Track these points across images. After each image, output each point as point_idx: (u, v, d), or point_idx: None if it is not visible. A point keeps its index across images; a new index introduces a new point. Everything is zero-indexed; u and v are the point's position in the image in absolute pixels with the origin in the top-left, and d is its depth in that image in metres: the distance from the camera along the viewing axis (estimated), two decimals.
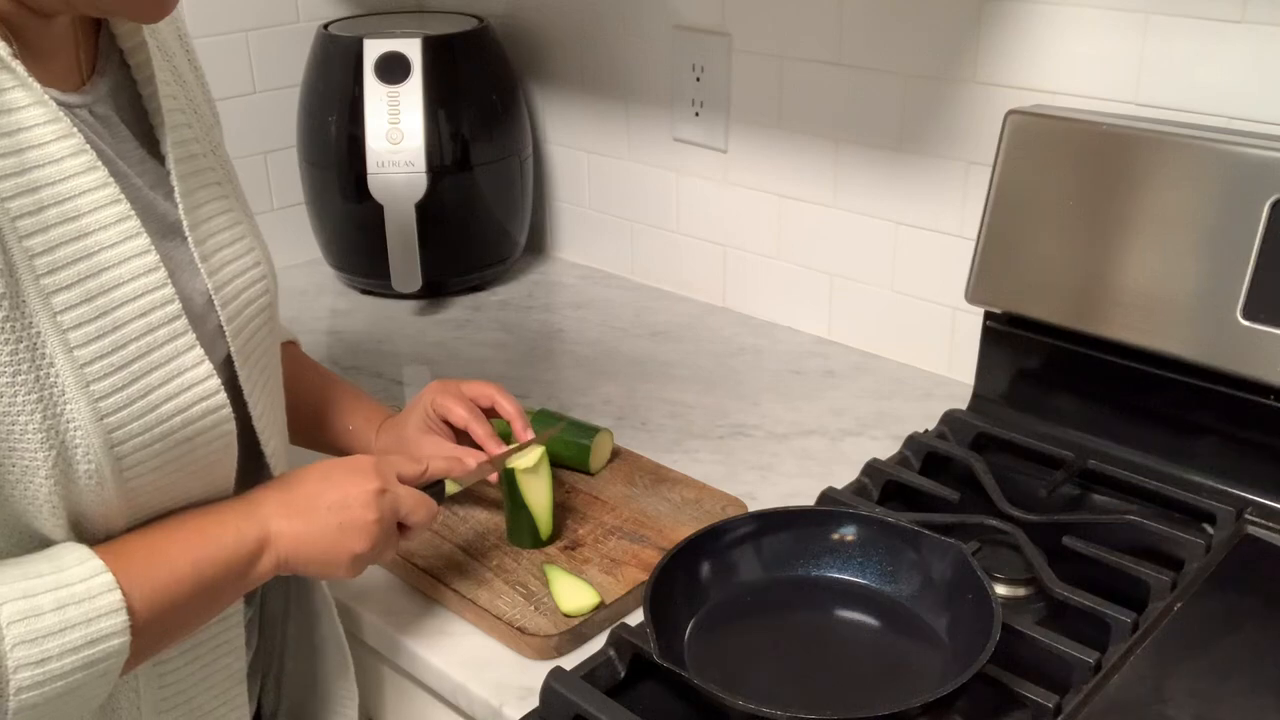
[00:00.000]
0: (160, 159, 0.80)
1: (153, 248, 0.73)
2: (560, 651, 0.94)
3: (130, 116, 0.79)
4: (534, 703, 0.88)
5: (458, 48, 1.59)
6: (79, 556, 0.70)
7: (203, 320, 0.78)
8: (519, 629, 0.95)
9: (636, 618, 0.94)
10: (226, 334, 0.80)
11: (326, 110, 1.58)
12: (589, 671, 0.89)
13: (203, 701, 0.84)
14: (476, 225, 1.64)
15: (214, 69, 1.60)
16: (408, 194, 1.54)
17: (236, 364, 0.81)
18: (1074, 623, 0.92)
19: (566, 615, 0.96)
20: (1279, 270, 1.01)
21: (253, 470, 0.85)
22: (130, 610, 0.70)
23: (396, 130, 1.53)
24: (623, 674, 0.90)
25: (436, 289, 1.64)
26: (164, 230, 0.77)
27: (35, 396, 0.67)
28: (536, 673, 0.89)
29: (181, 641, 0.80)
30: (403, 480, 0.90)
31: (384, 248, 1.56)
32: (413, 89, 1.54)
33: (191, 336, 0.75)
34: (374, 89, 1.53)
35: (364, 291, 1.68)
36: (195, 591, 0.75)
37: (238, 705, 0.88)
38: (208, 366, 0.76)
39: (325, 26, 1.62)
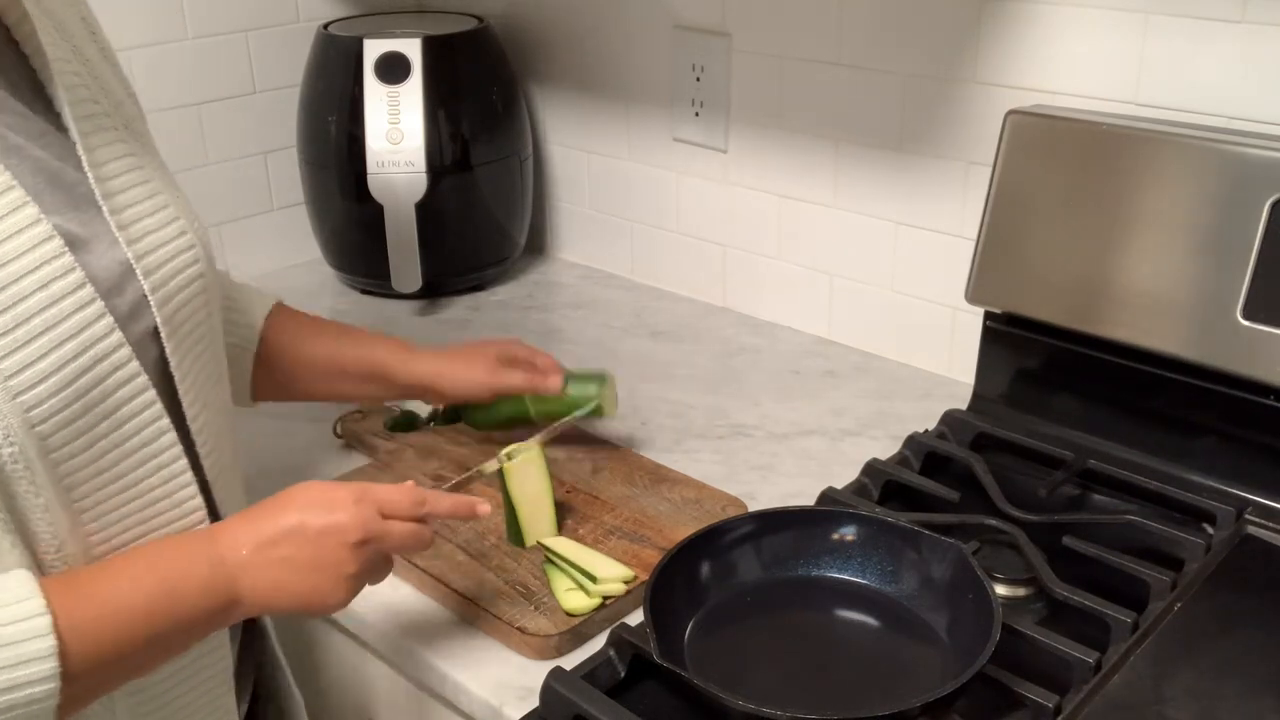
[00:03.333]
0: (65, 132, 0.77)
1: (43, 217, 0.70)
2: (560, 651, 0.94)
3: (28, 96, 0.76)
4: (534, 703, 0.88)
5: (458, 48, 1.59)
6: (19, 593, 0.67)
7: (119, 290, 0.75)
8: (519, 629, 0.95)
9: (636, 618, 0.94)
10: (152, 304, 0.77)
11: (326, 110, 1.58)
12: (589, 671, 0.89)
13: (185, 704, 0.82)
14: (476, 225, 1.64)
15: (214, 69, 1.62)
16: (408, 194, 1.54)
17: (164, 335, 0.78)
18: (1074, 623, 0.92)
19: (567, 614, 0.96)
20: (1279, 270, 1.01)
21: (196, 467, 0.81)
22: (64, 656, 0.66)
23: (396, 130, 1.53)
24: (623, 674, 0.90)
25: (436, 289, 1.64)
26: (76, 200, 0.75)
27: None
28: (536, 673, 0.89)
29: (130, 681, 0.76)
30: (391, 514, 0.83)
31: (384, 248, 1.56)
32: (413, 89, 1.54)
33: (100, 305, 0.72)
34: (374, 89, 1.53)
35: (364, 291, 1.68)
36: (147, 645, 0.72)
37: (225, 710, 0.85)
38: (119, 336, 0.73)
39: (325, 26, 1.62)
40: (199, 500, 0.80)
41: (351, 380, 1.12)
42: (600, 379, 1.18)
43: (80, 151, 0.76)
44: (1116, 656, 0.87)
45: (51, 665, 0.66)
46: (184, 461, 0.78)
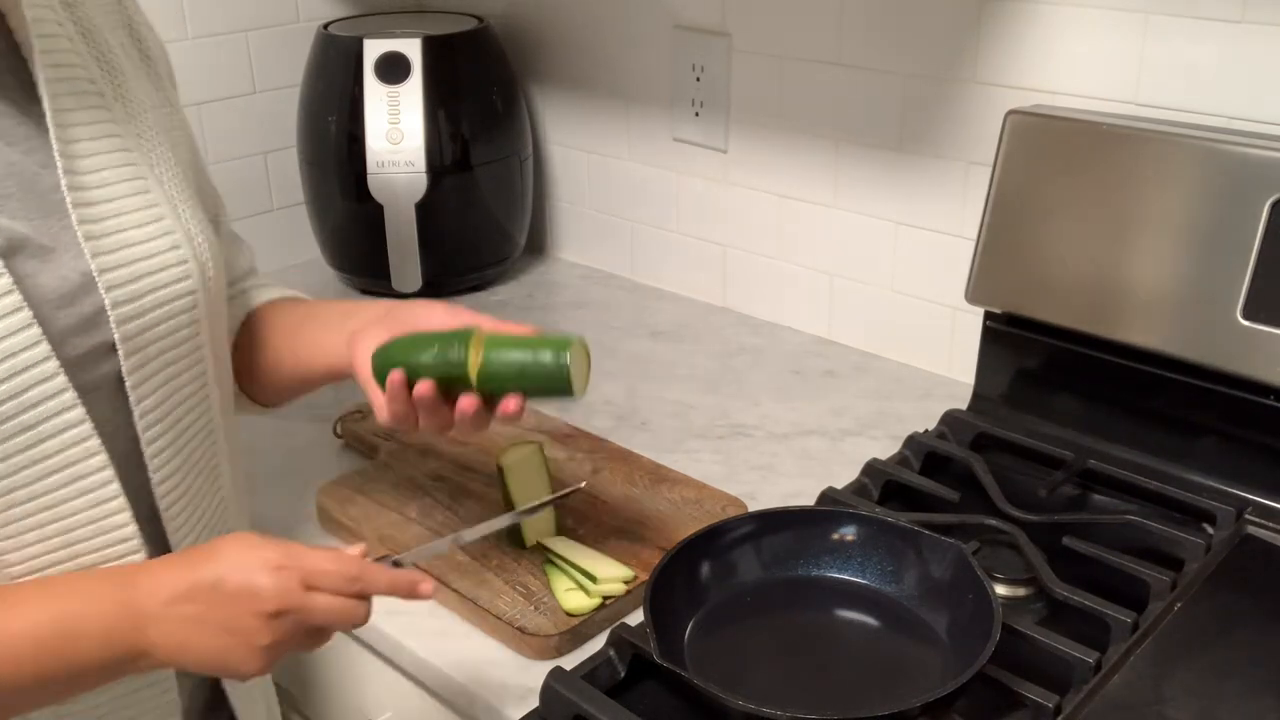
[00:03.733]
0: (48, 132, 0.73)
1: None
2: (560, 651, 0.94)
3: (15, 88, 0.73)
4: (534, 703, 0.88)
5: (458, 48, 1.59)
6: None
7: (71, 301, 0.71)
8: (519, 629, 0.95)
9: (636, 618, 0.94)
10: (110, 318, 0.73)
11: (326, 110, 1.58)
12: (589, 671, 0.89)
13: None
14: (476, 225, 1.64)
15: (214, 69, 1.62)
16: (408, 194, 1.54)
17: (121, 351, 0.73)
18: (1074, 623, 0.92)
19: (567, 614, 0.96)
20: (1279, 270, 1.01)
21: (144, 490, 0.77)
22: None
23: (396, 130, 1.53)
24: (623, 674, 0.90)
25: (436, 289, 1.64)
26: (47, 206, 0.71)
27: None
28: (536, 673, 0.89)
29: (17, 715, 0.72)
30: (318, 586, 0.73)
31: (384, 248, 1.56)
32: (413, 89, 1.54)
33: (25, 315, 0.68)
34: (374, 89, 1.53)
35: (364, 291, 1.68)
36: (35, 683, 0.68)
37: None
38: (45, 349, 0.69)
39: (325, 26, 1.62)
40: (131, 529, 0.75)
41: (317, 378, 0.99)
42: (564, 344, 0.85)
43: (54, 143, 0.72)
44: (1116, 656, 0.87)
45: None
46: (115, 486, 0.73)
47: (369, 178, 1.54)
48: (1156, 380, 1.11)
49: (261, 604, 0.70)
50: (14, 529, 0.70)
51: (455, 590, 1.00)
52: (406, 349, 0.86)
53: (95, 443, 0.72)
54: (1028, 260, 1.16)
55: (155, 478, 0.77)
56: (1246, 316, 1.03)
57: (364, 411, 1.29)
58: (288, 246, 1.75)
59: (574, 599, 0.97)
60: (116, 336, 0.73)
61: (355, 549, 0.77)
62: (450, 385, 0.85)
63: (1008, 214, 1.17)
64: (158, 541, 0.78)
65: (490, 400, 0.86)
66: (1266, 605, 0.95)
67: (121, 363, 0.74)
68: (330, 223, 1.65)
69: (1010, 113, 1.16)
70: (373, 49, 1.54)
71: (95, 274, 0.73)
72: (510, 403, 0.85)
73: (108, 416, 0.74)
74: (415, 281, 1.56)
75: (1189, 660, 0.88)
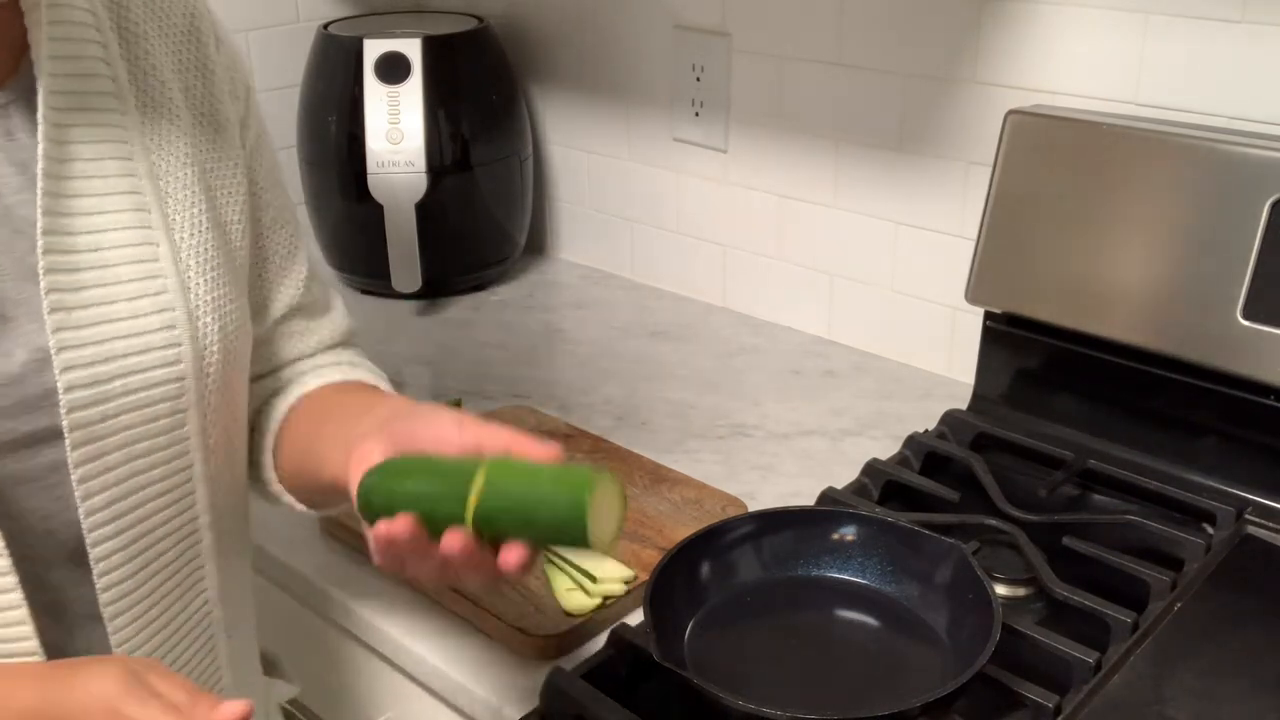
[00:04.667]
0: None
1: None
2: (560, 651, 0.94)
3: (27, 119, 0.67)
4: (534, 703, 0.88)
5: (458, 48, 1.59)
6: None
7: (15, 381, 0.64)
8: (519, 629, 0.95)
9: (636, 618, 0.94)
10: (61, 403, 0.65)
11: (326, 110, 1.58)
12: (589, 671, 0.88)
13: None
14: (476, 225, 1.64)
15: None
16: (408, 194, 1.54)
17: (69, 444, 0.66)
18: (1074, 623, 0.92)
19: (567, 614, 0.96)
20: (1279, 270, 1.01)
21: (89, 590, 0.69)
22: None
23: (396, 130, 1.53)
24: (623, 674, 0.90)
25: (436, 289, 1.64)
26: (22, 269, 0.64)
27: None
28: (536, 673, 0.89)
29: None
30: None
31: (384, 248, 1.56)
32: (413, 89, 1.54)
33: None
34: (374, 89, 1.53)
35: (364, 291, 1.68)
36: None
37: None
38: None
39: (325, 26, 1.62)
40: (33, 643, 0.67)
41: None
42: (588, 483, 0.67)
43: (39, 196, 0.64)
44: (1116, 656, 0.87)
45: None
46: (17, 594, 0.66)
47: (369, 178, 1.54)
48: (1156, 380, 1.11)
49: (113, 683, 0.60)
50: None
51: (455, 590, 1.00)
52: (394, 477, 0.69)
53: None
54: (1028, 260, 1.16)
55: (100, 583, 0.69)
56: (1246, 316, 1.03)
57: None
58: None
59: (574, 599, 0.97)
60: (65, 423, 0.66)
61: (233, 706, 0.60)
62: (445, 525, 0.67)
63: (1008, 214, 1.17)
64: (100, 648, 0.71)
65: (496, 544, 0.68)
66: (1266, 605, 0.95)
67: (68, 452, 0.66)
68: (330, 223, 1.65)
69: (1010, 113, 1.16)
70: (373, 49, 1.54)
71: (52, 351, 0.65)
72: (510, 554, 0.66)
73: (49, 509, 0.66)
74: (415, 282, 1.56)
75: (1189, 660, 0.88)
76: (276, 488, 0.87)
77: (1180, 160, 1.06)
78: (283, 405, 0.86)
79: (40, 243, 0.64)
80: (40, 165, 0.65)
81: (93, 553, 0.69)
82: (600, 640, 0.94)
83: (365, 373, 0.91)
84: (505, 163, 1.64)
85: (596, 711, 0.83)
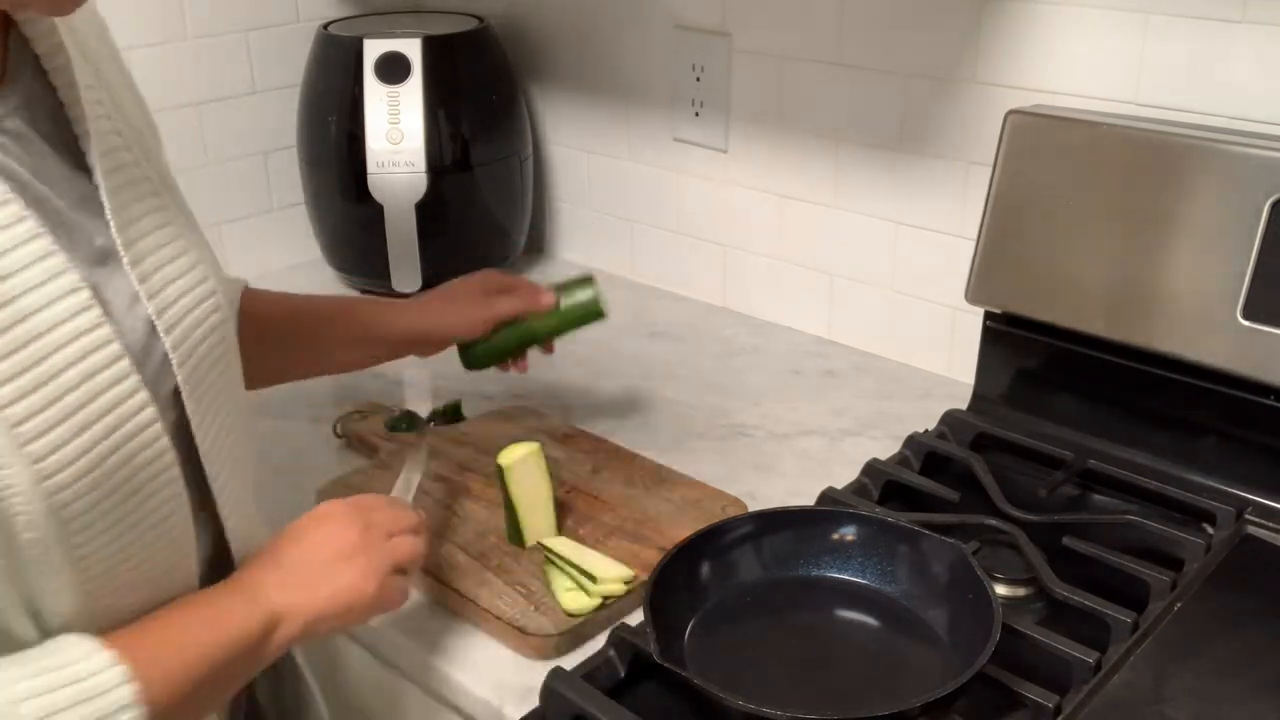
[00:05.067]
0: (87, 173, 0.72)
1: (84, 284, 0.65)
2: (560, 651, 0.94)
3: (50, 129, 0.71)
4: (534, 703, 0.88)
5: (458, 48, 1.59)
6: (87, 649, 0.66)
7: (147, 354, 0.71)
8: (519, 629, 0.95)
9: (636, 618, 0.94)
10: (174, 364, 0.73)
11: (326, 110, 1.58)
12: (589, 671, 0.89)
13: None
14: (476, 225, 1.64)
15: (214, 69, 1.61)
16: (408, 194, 1.54)
17: (184, 395, 0.74)
18: (1074, 623, 0.92)
19: (567, 614, 0.96)
20: (1279, 270, 1.01)
21: (205, 515, 0.79)
22: (145, 702, 0.66)
23: (396, 130, 1.53)
24: (623, 674, 0.90)
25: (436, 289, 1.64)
26: (95, 256, 0.70)
27: None
28: (536, 673, 0.89)
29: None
30: (387, 529, 0.84)
31: (384, 248, 1.56)
32: (413, 89, 1.54)
33: (136, 379, 0.68)
34: (374, 89, 1.53)
35: (364, 291, 1.68)
36: (208, 676, 0.72)
37: None
38: (152, 411, 0.69)
39: (325, 26, 1.62)
40: (195, 582, 0.77)
41: (342, 345, 1.10)
42: (588, 280, 1.19)
43: (105, 199, 0.71)
44: (1116, 656, 0.87)
45: (123, 694, 0.65)
46: (193, 543, 0.76)
47: (369, 178, 1.54)
48: (1156, 380, 1.11)
49: (337, 524, 0.82)
50: (109, 588, 0.70)
51: (455, 590, 1.00)
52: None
53: (184, 498, 0.74)
54: (1028, 260, 1.16)
55: (224, 514, 0.80)
56: (1246, 316, 1.03)
57: (364, 411, 1.29)
58: (288, 246, 1.75)
59: (574, 599, 0.97)
60: (180, 380, 0.73)
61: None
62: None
63: (1008, 214, 1.17)
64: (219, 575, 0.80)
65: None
66: (1266, 605, 0.95)
67: (186, 404, 0.74)
68: (330, 223, 1.65)
69: (1010, 113, 1.16)
70: (373, 49, 1.54)
71: (155, 320, 0.72)
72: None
73: (181, 459, 0.74)
74: (415, 281, 1.56)
75: (1189, 660, 0.88)
76: None
77: (1180, 160, 1.06)
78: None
79: (114, 229, 0.71)
80: (102, 183, 0.71)
81: (214, 486, 0.78)
82: (600, 640, 0.94)
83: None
84: (505, 163, 1.64)
85: (596, 711, 0.83)
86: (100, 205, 0.71)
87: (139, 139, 0.78)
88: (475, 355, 1.17)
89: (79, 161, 0.72)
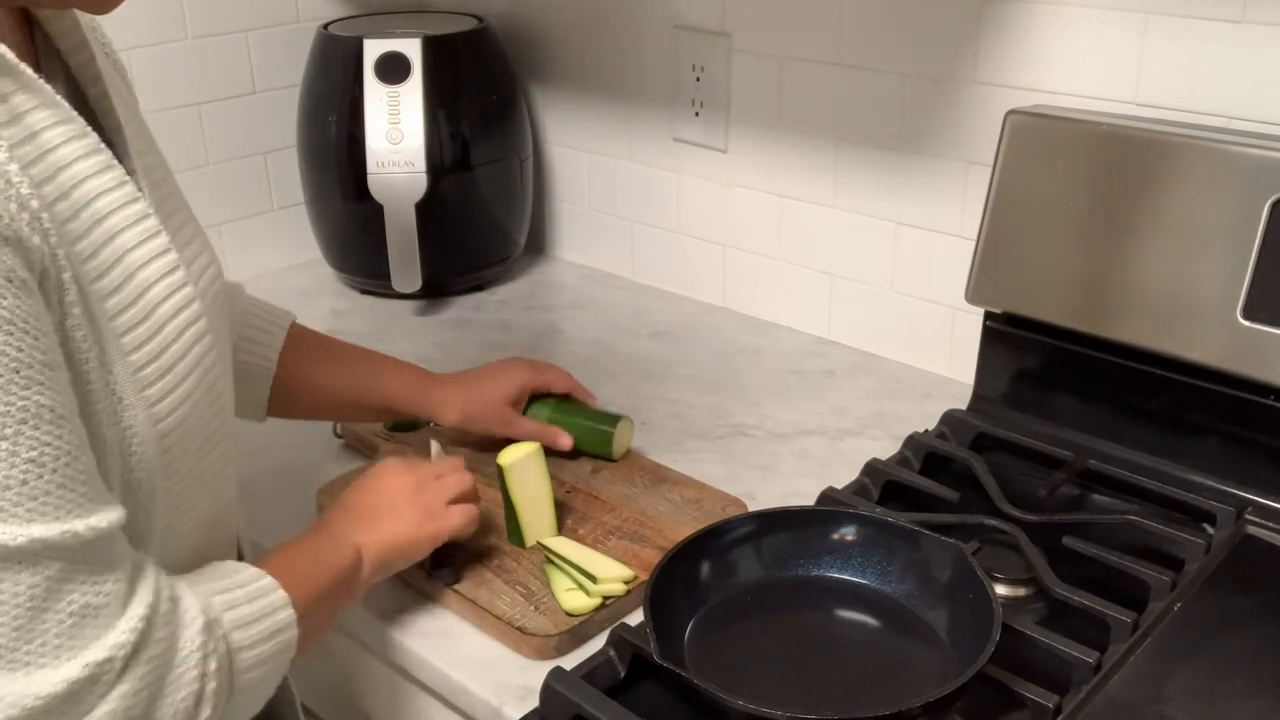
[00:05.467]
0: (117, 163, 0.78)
1: (171, 247, 0.72)
2: (560, 651, 0.94)
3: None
4: (534, 703, 0.88)
5: (458, 48, 1.59)
6: (257, 573, 0.77)
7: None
8: (519, 629, 0.95)
9: (636, 618, 0.94)
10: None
11: (326, 110, 1.58)
12: (589, 671, 0.89)
13: None
14: (476, 225, 1.64)
15: (214, 69, 1.61)
16: (408, 194, 1.54)
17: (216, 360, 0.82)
18: (1074, 623, 0.92)
19: (567, 614, 0.96)
20: (1279, 270, 1.01)
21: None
22: (299, 622, 0.77)
23: (396, 130, 1.53)
24: (623, 674, 0.90)
25: (436, 289, 1.64)
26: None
27: (106, 405, 0.66)
28: (536, 673, 0.89)
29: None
30: (436, 472, 0.99)
31: (384, 248, 1.56)
32: (413, 89, 1.54)
33: (212, 338, 0.75)
34: (374, 89, 1.53)
35: (364, 291, 1.68)
36: (325, 604, 0.83)
37: None
38: (222, 367, 0.77)
39: (325, 26, 1.62)
40: (234, 541, 0.86)
41: (366, 411, 1.16)
42: (619, 420, 1.18)
43: (144, 188, 0.76)
44: (1116, 656, 0.87)
45: (292, 613, 0.76)
46: (235, 498, 0.84)
47: (369, 178, 1.54)
48: (1156, 380, 1.11)
49: (393, 473, 0.96)
50: (180, 525, 0.76)
51: (455, 590, 1.00)
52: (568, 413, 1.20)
53: (233, 445, 0.82)
54: (1028, 260, 1.16)
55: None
56: (1246, 316, 1.03)
57: None
58: (288, 246, 1.75)
59: (574, 599, 0.97)
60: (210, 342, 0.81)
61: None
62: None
63: (1008, 214, 1.17)
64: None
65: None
66: (1266, 605, 0.95)
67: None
68: (330, 223, 1.65)
69: (1010, 113, 1.16)
70: (373, 49, 1.54)
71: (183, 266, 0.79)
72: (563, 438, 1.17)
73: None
74: (415, 282, 1.56)
75: (1189, 660, 0.88)
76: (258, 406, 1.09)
77: (1180, 160, 1.06)
78: (266, 344, 1.07)
79: (153, 211, 0.74)
80: (139, 167, 0.77)
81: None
82: (600, 640, 0.94)
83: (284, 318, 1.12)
84: (505, 163, 1.64)
85: (596, 711, 0.84)
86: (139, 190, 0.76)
87: (156, 149, 0.84)
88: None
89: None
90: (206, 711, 0.68)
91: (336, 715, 1.15)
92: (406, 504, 0.94)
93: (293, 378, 1.08)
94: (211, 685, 0.68)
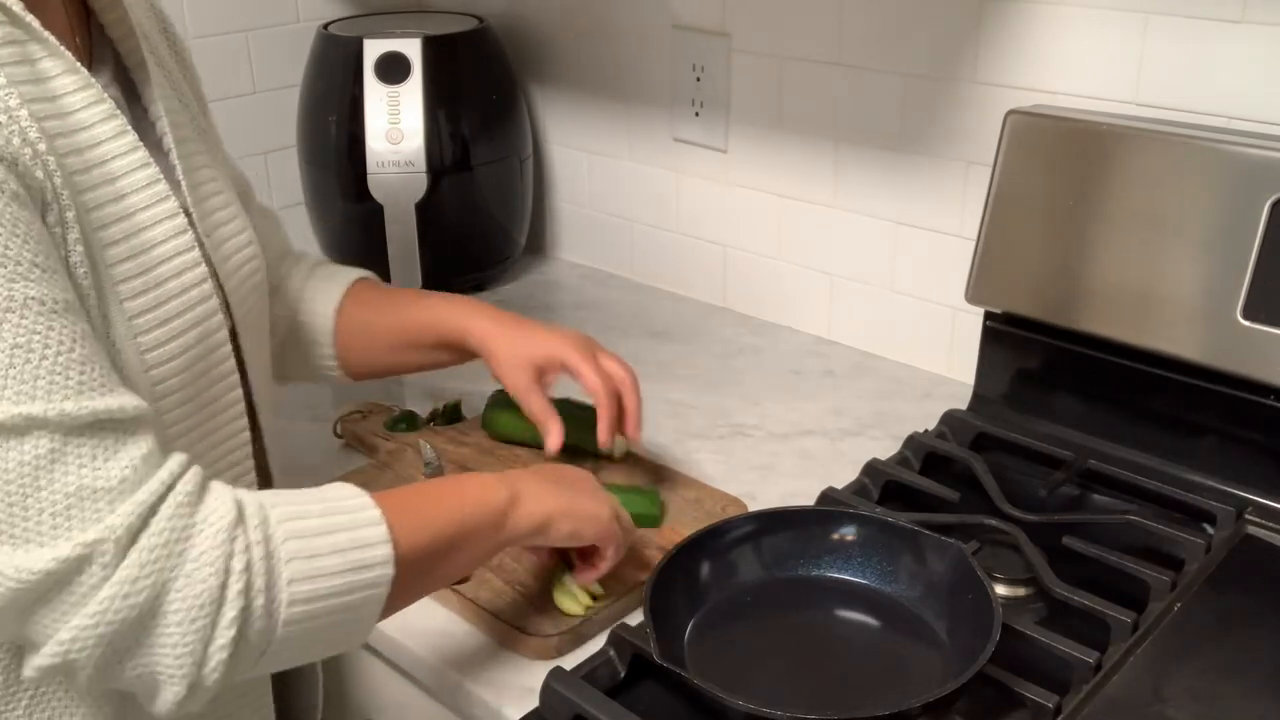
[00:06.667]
0: (154, 144, 0.82)
1: (180, 212, 0.77)
2: (560, 651, 0.94)
3: (124, 108, 0.80)
4: (534, 703, 0.88)
5: (458, 48, 1.59)
6: (352, 491, 0.74)
7: (210, 295, 0.81)
8: (519, 629, 0.95)
9: (636, 618, 0.94)
10: (231, 307, 0.84)
11: (326, 110, 1.58)
12: (589, 671, 0.89)
13: None
14: (476, 225, 1.64)
15: (214, 69, 1.61)
16: (408, 194, 1.54)
17: (240, 336, 0.85)
18: (1074, 623, 0.92)
19: (567, 615, 0.96)
20: (1279, 270, 1.01)
21: (257, 449, 0.89)
22: (393, 541, 0.72)
23: (396, 130, 1.53)
24: (623, 674, 0.90)
25: (437, 289, 1.63)
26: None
27: (101, 347, 0.68)
28: (536, 673, 0.89)
29: (438, 589, 0.88)
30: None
31: (384, 248, 1.56)
32: (413, 89, 1.54)
33: (217, 301, 0.79)
34: (374, 89, 1.53)
35: None
36: (455, 535, 0.79)
37: None
38: (226, 332, 0.80)
39: (325, 26, 1.62)
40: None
41: (424, 351, 1.11)
42: (647, 493, 1.10)
43: (179, 172, 0.82)
44: (1116, 656, 0.87)
45: (386, 539, 0.72)
46: (251, 461, 0.86)
47: (369, 178, 1.54)
48: (1156, 380, 1.11)
49: (589, 480, 0.94)
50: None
51: (455, 590, 1.00)
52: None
53: (243, 414, 0.85)
54: (1028, 260, 1.16)
55: (267, 441, 0.93)
56: (1246, 316, 1.03)
57: (364, 411, 1.29)
58: None
59: (568, 600, 0.97)
60: (235, 322, 0.85)
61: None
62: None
63: (1008, 214, 1.17)
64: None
65: None
66: (1266, 605, 0.95)
67: (241, 344, 0.86)
68: (330, 223, 1.65)
69: (1010, 113, 1.16)
70: (373, 49, 1.54)
71: (218, 269, 0.83)
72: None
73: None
74: (415, 282, 1.56)
75: (1189, 660, 0.88)
76: (329, 363, 1.10)
77: (1180, 160, 1.06)
78: (323, 302, 1.09)
79: (187, 192, 0.82)
80: (174, 151, 0.82)
81: (260, 410, 0.90)
82: (600, 640, 0.94)
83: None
84: (505, 163, 1.64)
85: (596, 711, 0.83)
86: (174, 174, 0.82)
87: (193, 117, 0.89)
88: (497, 420, 1.23)
89: (147, 136, 0.81)
90: (231, 613, 0.64)
91: (336, 715, 1.15)
92: (581, 491, 0.91)
93: (352, 333, 1.08)
94: (237, 586, 0.65)
